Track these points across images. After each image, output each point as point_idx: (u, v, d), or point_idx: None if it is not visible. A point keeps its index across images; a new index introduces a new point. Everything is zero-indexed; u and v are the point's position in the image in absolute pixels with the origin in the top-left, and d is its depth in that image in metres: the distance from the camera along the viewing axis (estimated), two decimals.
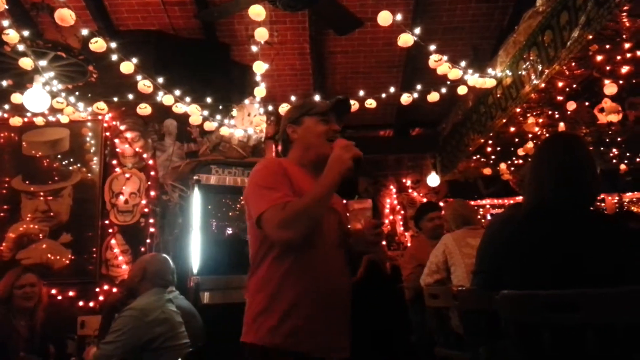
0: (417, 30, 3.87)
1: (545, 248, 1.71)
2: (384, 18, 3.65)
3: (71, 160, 4.82)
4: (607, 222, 1.81)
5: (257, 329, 1.67)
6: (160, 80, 4.22)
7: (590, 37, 3.26)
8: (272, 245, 1.70)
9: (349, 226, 1.77)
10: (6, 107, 4.53)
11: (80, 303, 4.47)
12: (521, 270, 1.74)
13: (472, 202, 6.56)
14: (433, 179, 6.99)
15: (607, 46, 3.43)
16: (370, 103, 4.68)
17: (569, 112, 4.68)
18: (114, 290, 4.44)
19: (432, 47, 4.02)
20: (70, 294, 4.52)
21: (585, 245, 1.67)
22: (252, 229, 1.76)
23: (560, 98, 4.37)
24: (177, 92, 4.37)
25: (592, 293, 1.49)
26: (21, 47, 3.51)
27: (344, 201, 1.79)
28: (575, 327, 1.51)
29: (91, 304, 4.46)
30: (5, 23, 3.32)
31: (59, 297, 4.50)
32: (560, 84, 4.05)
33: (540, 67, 3.96)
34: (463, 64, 4.28)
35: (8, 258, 4.60)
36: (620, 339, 1.49)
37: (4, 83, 4.24)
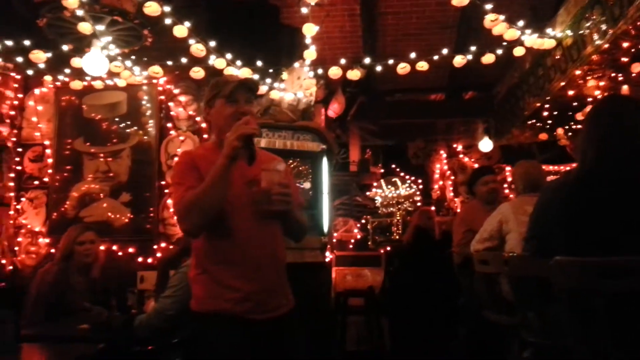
0: None
1: (592, 215, 1.67)
2: None
3: (128, 122, 4.98)
4: None
5: (196, 297, 1.87)
6: (212, 43, 4.27)
7: None
8: None
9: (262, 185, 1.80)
10: (67, 71, 4.72)
11: (140, 259, 4.71)
12: (569, 236, 1.71)
13: None
14: (486, 144, 6.84)
15: None
16: (422, 66, 4.57)
17: (633, 75, 4.44)
18: (170, 247, 4.64)
19: (489, 6, 3.87)
20: (130, 250, 4.76)
21: (630, 212, 1.61)
22: None
23: (624, 59, 4.14)
24: (229, 56, 4.41)
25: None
26: (80, 12, 3.63)
27: (272, 165, 1.82)
28: (626, 293, 1.48)
29: (149, 260, 4.69)
30: None
31: (120, 253, 4.76)
32: (625, 45, 3.83)
33: (604, 27, 3.75)
34: (521, 23, 4.10)
35: (72, 216, 4.87)
36: None
37: (65, 47, 4.39)
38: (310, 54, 4.39)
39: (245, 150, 1.79)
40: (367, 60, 4.80)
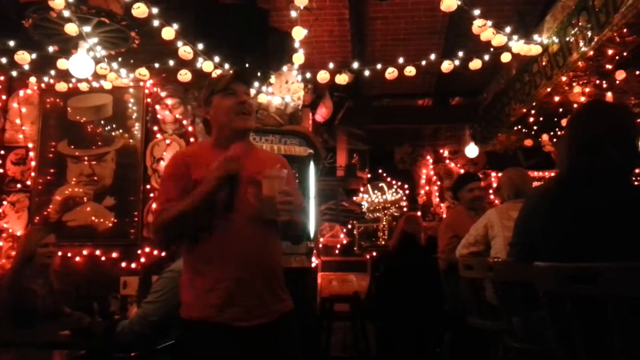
0: None
1: (571, 220, 1.68)
2: None
3: (114, 125, 4.93)
4: (636, 195, 1.72)
5: (185, 304, 1.81)
6: (200, 46, 4.25)
7: None
8: None
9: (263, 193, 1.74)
10: (52, 73, 4.66)
11: (123, 264, 4.65)
12: (550, 241, 1.72)
13: None
14: (472, 150, 6.87)
15: None
16: (410, 71, 4.59)
17: (617, 82, 4.49)
18: (155, 252, 4.59)
19: (476, 12, 3.90)
20: (114, 255, 4.70)
21: (608, 217, 1.62)
22: None
23: (609, 66, 4.19)
24: (217, 59, 4.39)
25: (612, 266, 1.47)
26: (66, 13, 3.59)
27: (274, 172, 1.74)
28: (596, 298, 1.50)
29: (133, 265, 4.63)
30: None
31: (103, 258, 4.70)
32: (610, 52, 3.88)
33: (589, 34, 3.79)
34: (508, 29, 4.13)
35: (55, 219, 4.80)
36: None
37: (50, 49, 4.35)
38: (299, 57, 4.39)
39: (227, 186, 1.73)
40: (355, 65, 4.80)
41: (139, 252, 4.68)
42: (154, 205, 4.71)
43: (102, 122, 4.95)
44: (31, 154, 4.97)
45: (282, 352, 1.80)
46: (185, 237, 1.80)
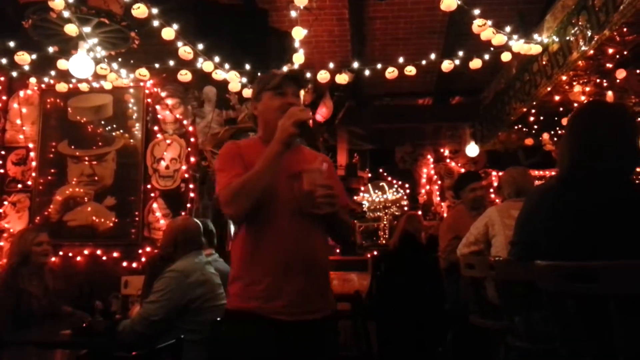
0: None
1: (572, 220, 1.69)
2: None
3: (114, 126, 4.94)
4: (636, 194, 1.72)
5: (230, 295, 1.83)
6: (200, 46, 4.26)
7: None
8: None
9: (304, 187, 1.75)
10: (52, 73, 4.66)
11: (124, 264, 4.65)
12: (552, 240, 1.73)
13: None
14: (472, 149, 6.88)
15: None
16: (410, 70, 4.59)
17: (618, 81, 4.49)
18: (155, 252, 4.60)
19: (476, 12, 3.90)
20: (114, 254, 4.70)
21: (607, 217, 1.63)
22: None
23: (609, 65, 4.19)
24: (217, 59, 4.39)
25: (612, 265, 1.48)
26: (66, 14, 3.59)
27: (316, 165, 1.76)
28: (597, 297, 1.50)
29: (134, 265, 4.64)
30: None
31: (104, 258, 4.70)
32: (610, 51, 3.89)
33: (589, 33, 3.80)
34: (508, 29, 4.13)
35: (55, 220, 4.81)
36: None
37: (50, 49, 4.35)
38: (299, 57, 4.39)
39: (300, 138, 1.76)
40: (355, 65, 4.80)
41: (140, 251, 4.69)
42: (154, 205, 4.72)
43: (103, 122, 4.95)
44: (32, 154, 4.97)
45: (316, 353, 1.80)
46: (255, 206, 1.74)
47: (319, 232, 1.87)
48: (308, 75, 4.99)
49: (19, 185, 4.96)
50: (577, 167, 1.75)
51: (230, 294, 1.83)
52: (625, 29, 3.50)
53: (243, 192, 1.71)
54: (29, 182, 4.94)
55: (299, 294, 1.76)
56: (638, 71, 4.46)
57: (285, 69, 5.11)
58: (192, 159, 4.84)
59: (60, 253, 4.65)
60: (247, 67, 4.64)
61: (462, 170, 7.29)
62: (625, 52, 3.93)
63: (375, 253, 6.02)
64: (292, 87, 1.92)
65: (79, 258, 4.71)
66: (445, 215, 7.13)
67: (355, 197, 7.23)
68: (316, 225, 1.84)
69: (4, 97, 5.07)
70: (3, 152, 5.01)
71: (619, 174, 1.73)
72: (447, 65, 4.50)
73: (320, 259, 1.88)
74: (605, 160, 1.71)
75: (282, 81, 1.90)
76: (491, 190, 7.15)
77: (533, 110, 5.47)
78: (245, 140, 1.99)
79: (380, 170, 7.74)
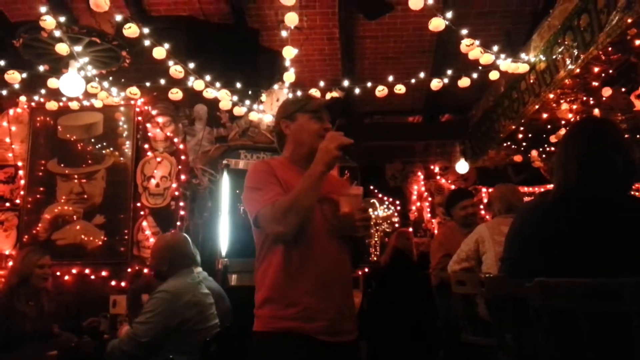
0: (449, 15, 3.81)
1: (571, 235, 1.68)
2: (415, 2, 3.60)
3: (104, 144, 4.92)
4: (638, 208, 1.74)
5: (262, 317, 1.80)
6: (191, 65, 4.28)
7: (630, 20, 3.16)
8: (271, 242, 1.83)
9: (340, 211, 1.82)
10: (42, 91, 4.65)
11: (113, 283, 4.60)
12: (547, 257, 1.72)
13: None
14: (462, 166, 6.92)
15: None
16: (400, 89, 4.64)
17: (604, 99, 4.56)
18: (145, 271, 4.56)
19: (464, 32, 3.96)
20: (103, 274, 4.65)
21: (612, 232, 1.63)
22: (254, 228, 1.88)
23: (595, 84, 4.25)
24: (208, 78, 4.42)
25: (633, 281, 1.46)
26: (57, 33, 3.60)
27: (354, 191, 1.83)
28: (614, 315, 1.49)
29: (123, 284, 4.58)
30: (43, 9, 3.41)
31: (92, 277, 4.64)
32: (596, 69, 3.95)
33: (575, 52, 3.86)
34: (495, 48, 4.20)
35: (44, 238, 4.76)
36: None
37: (41, 68, 4.35)
38: (290, 76, 4.43)
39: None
40: (345, 83, 4.85)
41: (129, 270, 4.64)
42: (144, 223, 4.69)
43: (93, 140, 4.93)
44: (20, 172, 4.94)
45: None
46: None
47: (346, 252, 1.92)
48: (299, 93, 5.02)
49: (7, 204, 4.92)
50: (583, 179, 1.74)
51: (262, 316, 1.80)
52: (610, 49, 3.56)
53: (293, 210, 1.70)
54: (18, 201, 4.90)
55: (337, 314, 1.79)
56: (624, 89, 4.53)
57: (276, 87, 5.16)
58: (183, 177, 4.83)
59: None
60: (238, 85, 4.66)
61: (453, 187, 7.32)
62: (610, 71, 4.00)
63: (366, 270, 6.00)
64: (327, 114, 1.97)
65: (67, 277, 4.65)
66: (436, 232, 7.13)
67: None
68: (344, 245, 1.90)
69: None
70: None
71: (617, 189, 1.74)
72: (436, 84, 4.55)
73: (350, 279, 1.94)
74: (603, 175, 1.72)
75: (322, 107, 1.96)
76: (481, 206, 7.19)
77: (522, 128, 5.52)
78: (272, 160, 1.99)
79: (371, 187, 7.75)
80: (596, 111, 4.85)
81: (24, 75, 4.24)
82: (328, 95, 4.72)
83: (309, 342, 1.72)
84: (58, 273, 4.63)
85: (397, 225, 7.22)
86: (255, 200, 1.81)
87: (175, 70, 4.13)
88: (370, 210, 1.94)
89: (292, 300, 1.75)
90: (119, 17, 3.75)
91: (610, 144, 1.76)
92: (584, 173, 1.74)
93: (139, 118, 4.96)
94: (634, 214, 1.70)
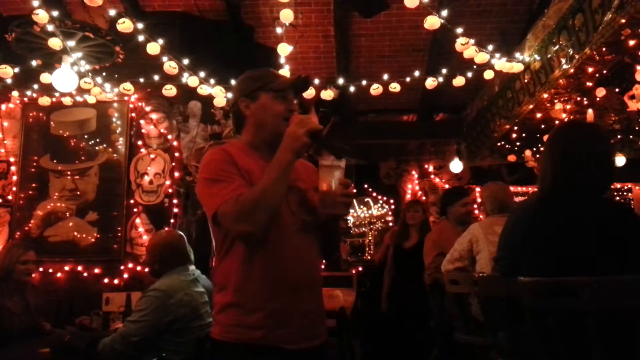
0: (444, 13, 3.81)
1: (552, 237, 1.73)
2: (411, 0, 3.59)
3: (98, 140, 4.89)
4: (614, 211, 1.79)
5: (221, 324, 1.61)
6: (186, 61, 4.25)
7: (623, 21, 3.17)
8: (232, 239, 1.61)
9: (317, 187, 1.59)
10: (35, 87, 4.62)
11: (105, 280, 4.57)
12: (533, 256, 1.77)
13: None
14: (456, 165, 6.93)
15: None
16: (394, 87, 4.64)
17: (598, 99, 4.58)
18: (138, 268, 4.53)
19: (459, 30, 3.96)
20: (96, 271, 4.62)
21: (587, 233, 1.67)
22: (211, 225, 1.66)
23: (589, 84, 4.27)
24: (202, 74, 4.39)
25: (590, 280, 1.51)
26: (50, 28, 3.57)
27: (342, 162, 1.62)
28: (575, 312, 1.53)
29: (116, 281, 4.56)
30: (35, 3, 3.38)
31: (85, 274, 4.62)
32: (590, 70, 3.97)
33: (570, 52, 3.87)
34: (490, 47, 4.20)
35: (36, 235, 4.72)
36: (621, 325, 1.51)
37: (34, 63, 4.31)
38: (284, 73, 4.41)
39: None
40: (340, 81, 4.84)
41: (122, 267, 4.62)
42: (137, 220, 4.67)
43: (86, 136, 4.90)
44: (13, 168, 4.90)
45: None
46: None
47: (316, 249, 1.72)
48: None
49: None
50: (556, 184, 1.80)
51: (223, 323, 1.60)
52: (604, 49, 3.58)
53: (261, 205, 1.48)
54: (10, 197, 4.86)
55: (306, 318, 1.62)
56: (617, 90, 4.55)
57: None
58: (176, 174, 4.80)
59: (41, 269, 4.55)
60: (233, 82, 4.63)
61: (447, 186, 7.33)
62: (604, 71, 4.02)
63: (360, 269, 6.01)
64: (293, 95, 1.75)
65: (59, 274, 4.62)
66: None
67: None
68: (314, 241, 1.71)
69: None
70: None
71: (596, 190, 1.80)
72: (431, 83, 4.55)
73: (320, 279, 1.76)
74: (583, 177, 1.78)
75: (287, 86, 1.73)
76: (475, 206, 7.20)
77: (516, 128, 5.54)
78: (230, 146, 1.73)
79: (365, 186, 7.76)
80: (590, 111, 4.88)
81: (17, 70, 4.21)
82: (323, 94, 4.72)
83: (272, 355, 1.55)
84: (50, 270, 4.61)
85: (391, 224, 7.22)
86: (214, 194, 1.56)
87: (170, 66, 4.11)
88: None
89: (255, 306, 1.56)
90: (112, 12, 3.73)
91: (585, 148, 1.82)
92: (558, 176, 1.81)
93: (133, 114, 4.93)
94: (604, 213, 1.74)
